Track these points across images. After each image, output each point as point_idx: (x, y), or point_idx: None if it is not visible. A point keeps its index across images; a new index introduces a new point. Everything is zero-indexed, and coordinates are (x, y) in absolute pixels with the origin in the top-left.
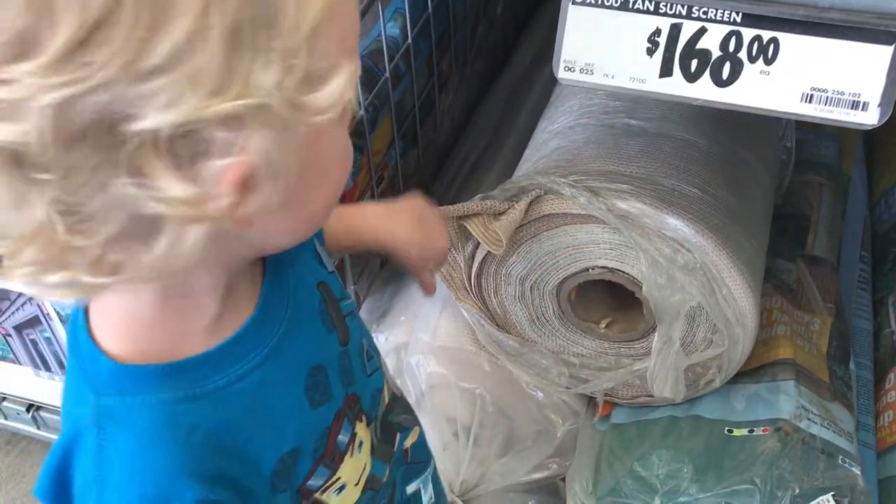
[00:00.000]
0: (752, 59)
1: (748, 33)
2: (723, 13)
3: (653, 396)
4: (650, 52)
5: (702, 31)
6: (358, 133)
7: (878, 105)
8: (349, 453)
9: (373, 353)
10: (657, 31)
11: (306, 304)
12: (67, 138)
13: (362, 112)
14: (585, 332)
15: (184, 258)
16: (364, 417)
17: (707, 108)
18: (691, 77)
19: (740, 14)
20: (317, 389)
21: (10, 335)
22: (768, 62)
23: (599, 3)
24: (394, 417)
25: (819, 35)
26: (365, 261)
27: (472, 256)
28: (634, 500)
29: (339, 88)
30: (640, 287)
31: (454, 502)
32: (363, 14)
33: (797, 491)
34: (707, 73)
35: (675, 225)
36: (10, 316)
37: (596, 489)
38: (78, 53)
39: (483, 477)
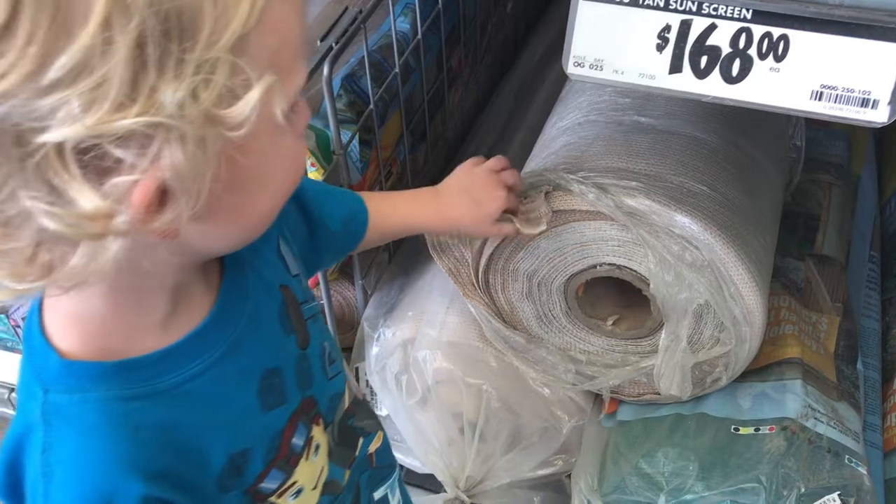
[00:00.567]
0: (762, 56)
1: (758, 30)
2: (733, 10)
3: (659, 394)
4: (660, 48)
5: (712, 27)
6: (367, 128)
7: (889, 103)
8: (305, 456)
9: (335, 357)
10: (667, 28)
11: (265, 306)
12: None
13: (372, 107)
14: (592, 329)
15: (108, 265)
16: (321, 421)
17: (716, 106)
18: (701, 74)
19: (751, 11)
20: (270, 392)
21: (19, 327)
22: (778, 59)
23: None
24: (355, 422)
25: (829, 32)
26: (373, 256)
27: (480, 252)
28: (640, 498)
29: (253, 103)
30: (648, 284)
31: (459, 498)
32: (374, 9)
33: (803, 490)
34: (717, 69)
35: (684, 222)
36: (19, 308)
37: (601, 486)
38: None
39: (488, 473)
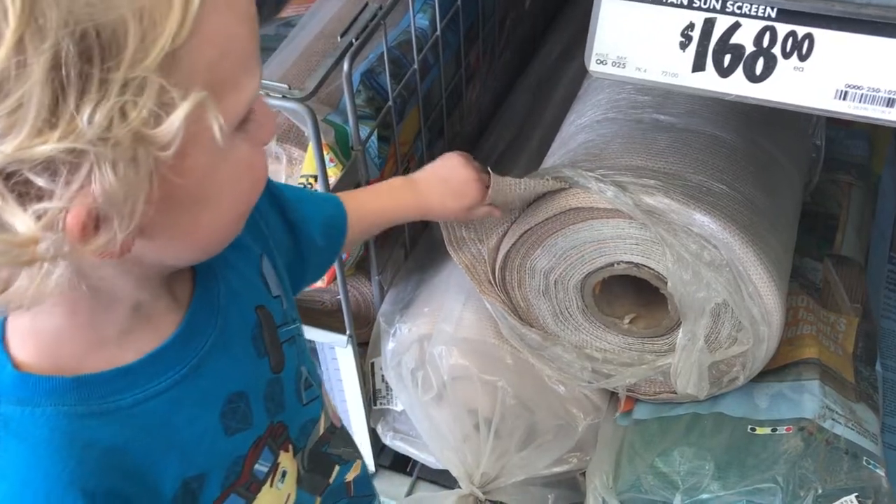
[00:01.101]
0: (787, 55)
1: (783, 29)
2: (757, 8)
3: (675, 393)
4: (683, 46)
5: (736, 25)
6: (385, 124)
7: None
8: (269, 483)
9: (312, 382)
10: (690, 26)
11: (237, 326)
12: None
13: (390, 103)
14: (609, 328)
15: (54, 286)
16: (291, 447)
17: (736, 104)
18: (724, 72)
19: (775, 9)
20: (234, 417)
21: None
22: (803, 58)
23: None
24: (330, 449)
25: (855, 31)
26: (389, 252)
27: (497, 249)
28: (655, 496)
29: (179, 121)
30: (666, 283)
31: (474, 494)
32: (393, 5)
33: (820, 491)
34: (740, 68)
35: (702, 221)
36: None
37: (616, 484)
38: None
39: (503, 469)
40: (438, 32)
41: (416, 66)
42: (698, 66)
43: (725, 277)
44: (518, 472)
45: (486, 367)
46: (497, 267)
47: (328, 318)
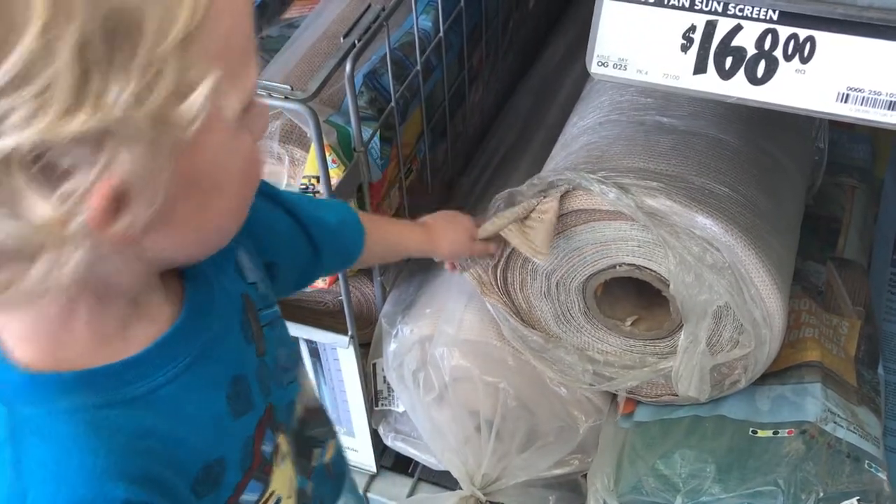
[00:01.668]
0: (788, 58)
1: (784, 31)
2: (759, 11)
3: (677, 395)
4: (685, 48)
5: (737, 28)
6: (388, 125)
7: None
8: (275, 463)
9: (289, 365)
10: (692, 28)
11: (229, 315)
12: None
13: (393, 104)
14: (611, 330)
15: (68, 276)
16: (282, 428)
17: (739, 107)
18: (726, 74)
19: (777, 12)
20: (238, 399)
21: None
22: (804, 61)
23: None
24: (308, 431)
25: (857, 34)
26: None
27: (500, 251)
28: (656, 499)
29: (202, 99)
30: (668, 285)
31: (475, 495)
32: (396, 6)
33: (821, 494)
34: (742, 70)
35: (705, 223)
36: None
37: (617, 486)
38: None
39: (504, 471)
40: (441, 34)
41: (418, 67)
42: (700, 68)
43: (727, 280)
44: (519, 474)
45: (488, 369)
46: (499, 268)
47: (330, 319)
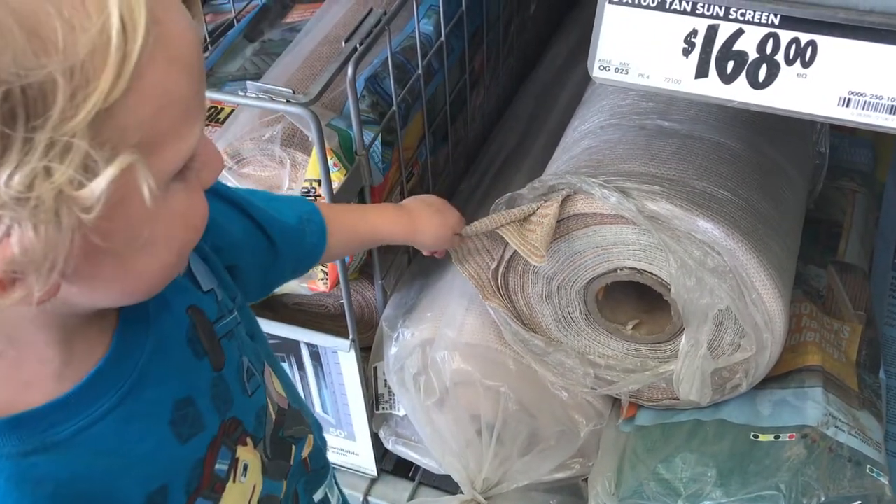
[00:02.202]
0: (790, 62)
1: (786, 36)
2: (761, 15)
3: (678, 399)
4: (686, 52)
5: (739, 32)
6: (390, 129)
7: None
8: (231, 479)
9: (254, 371)
10: (694, 32)
11: (171, 333)
12: None
13: (394, 108)
14: (612, 334)
15: None
16: (250, 440)
17: (740, 111)
18: (727, 79)
19: (778, 16)
20: (184, 423)
21: None
22: (806, 65)
23: (636, 2)
24: (284, 432)
25: (858, 38)
26: (392, 256)
27: (501, 254)
28: (657, 503)
29: (104, 185)
30: (669, 289)
31: (475, 499)
32: (398, 10)
33: (823, 499)
34: (743, 74)
35: (706, 227)
36: None
37: (618, 490)
38: None
39: (505, 475)
40: (443, 38)
41: (420, 71)
42: (701, 72)
43: (729, 284)
44: (520, 478)
45: (489, 373)
46: (500, 272)
47: (331, 323)
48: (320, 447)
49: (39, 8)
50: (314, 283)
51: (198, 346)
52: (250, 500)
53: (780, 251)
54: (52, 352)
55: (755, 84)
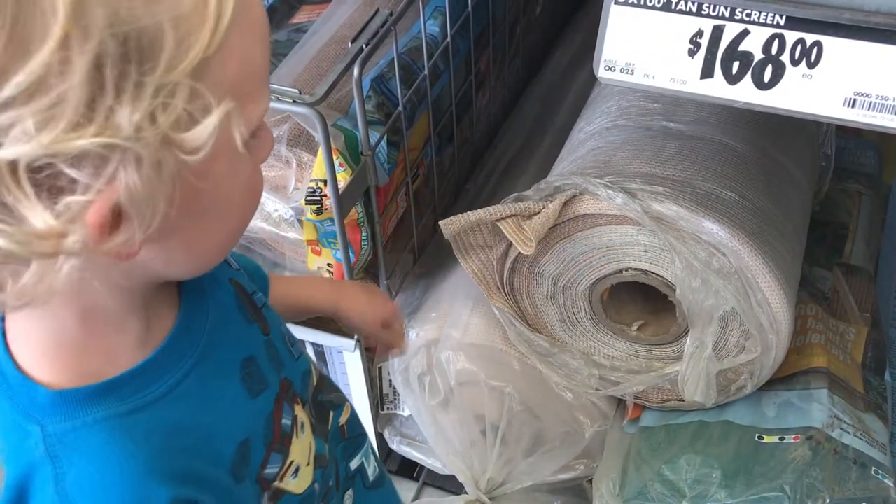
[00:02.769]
0: (795, 63)
1: (791, 36)
2: (766, 16)
3: (683, 400)
4: (692, 53)
5: (744, 33)
6: (395, 129)
7: None
8: (294, 435)
9: (294, 339)
10: (699, 33)
11: (225, 302)
12: None
13: (400, 108)
14: (617, 335)
15: (58, 284)
16: (299, 399)
17: (746, 112)
18: (732, 79)
19: (784, 17)
20: (252, 380)
21: None
22: (811, 66)
23: (642, 3)
24: (323, 396)
25: (864, 39)
26: (397, 257)
27: (505, 255)
28: None
29: (211, 128)
30: (674, 290)
31: (480, 499)
32: (404, 11)
33: (828, 501)
34: (748, 75)
35: (711, 229)
36: None
37: (623, 492)
38: None
39: (509, 475)
40: (449, 39)
41: (426, 72)
42: (707, 73)
43: (734, 285)
44: (524, 479)
45: (494, 373)
46: (505, 272)
47: (336, 323)
48: (356, 415)
49: None
50: None
51: (247, 313)
52: (309, 455)
53: (786, 253)
54: (132, 323)
55: (760, 84)
